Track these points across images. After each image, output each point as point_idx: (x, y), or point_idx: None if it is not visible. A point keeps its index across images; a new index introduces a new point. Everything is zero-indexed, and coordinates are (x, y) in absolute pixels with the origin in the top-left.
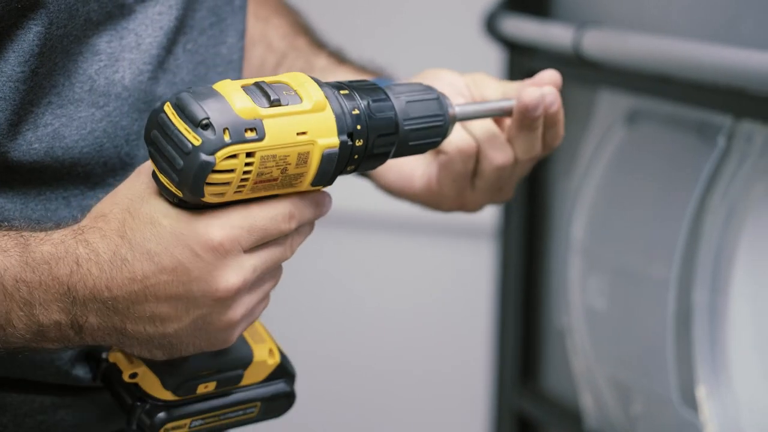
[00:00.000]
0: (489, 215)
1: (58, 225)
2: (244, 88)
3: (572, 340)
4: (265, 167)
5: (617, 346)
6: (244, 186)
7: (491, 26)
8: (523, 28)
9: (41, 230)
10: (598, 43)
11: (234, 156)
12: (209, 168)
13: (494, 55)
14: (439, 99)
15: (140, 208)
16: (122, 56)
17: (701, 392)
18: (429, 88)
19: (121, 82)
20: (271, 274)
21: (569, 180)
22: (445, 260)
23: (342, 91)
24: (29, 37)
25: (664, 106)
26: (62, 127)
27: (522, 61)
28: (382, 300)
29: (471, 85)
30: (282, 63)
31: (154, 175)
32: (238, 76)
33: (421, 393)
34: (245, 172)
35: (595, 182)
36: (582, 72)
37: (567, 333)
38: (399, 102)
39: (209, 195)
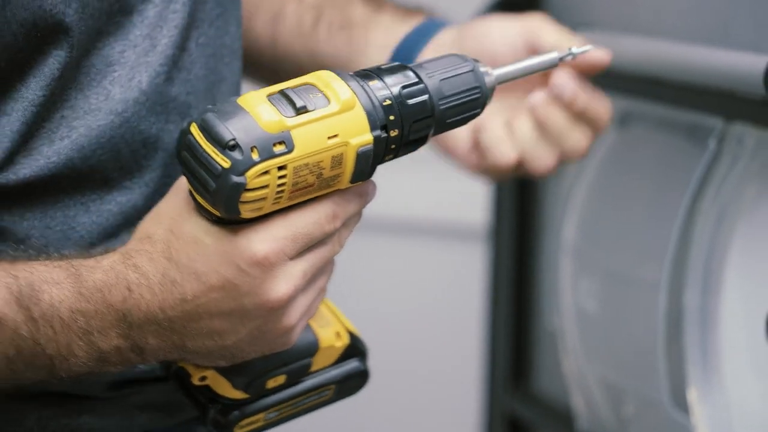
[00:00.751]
0: (480, 217)
1: (106, 250)
2: (270, 97)
3: (563, 341)
4: (299, 176)
5: (608, 348)
6: (280, 197)
7: None
8: None
9: (90, 257)
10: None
11: (265, 173)
12: (241, 188)
13: None
14: (474, 70)
15: (183, 228)
16: (137, 62)
17: (692, 395)
18: (463, 60)
19: (138, 87)
20: (322, 270)
21: (560, 182)
22: (436, 262)
23: (371, 81)
24: (51, 62)
25: (656, 108)
26: (80, 137)
27: None
28: (373, 301)
29: (526, 33)
30: (320, 19)
31: (190, 193)
32: (240, 66)
33: (412, 394)
34: (279, 185)
35: (587, 184)
36: None
37: (558, 335)
38: (432, 82)
39: (246, 212)
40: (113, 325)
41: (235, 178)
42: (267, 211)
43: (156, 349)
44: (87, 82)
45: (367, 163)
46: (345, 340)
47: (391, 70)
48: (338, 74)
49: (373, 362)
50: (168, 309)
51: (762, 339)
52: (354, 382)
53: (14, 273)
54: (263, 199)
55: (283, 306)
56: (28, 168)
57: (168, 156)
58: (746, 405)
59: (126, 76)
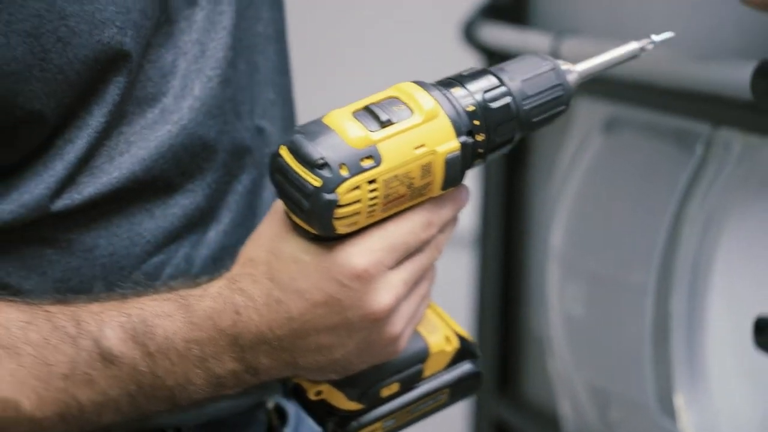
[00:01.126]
0: (467, 223)
1: (211, 278)
2: (355, 114)
3: (550, 347)
4: (390, 188)
5: (595, 354)
6: (374, 210)
7: (469, 34)
8: (501, 35)
9: (197, 286)
10: (576, 50)
11: (356, 188)
12: (334, 205)
13: (473, 62)
14: (555, 69)
15: (282, 248)
16: (188, 70)
17: (679, 400)
18: (543, 60)
19: (192, 94)
20: (423, 277)
21: (547, 187)
22: None
23: (453, 89)
24: (112, 89)
25: (642, 113)
26: (140, 151)
27: None
28: None
29: None
30: None
31: (286, 214)
32: (277, 49)
33: None
34: (371, 198)
35: (573, 190)
36: None
37: (545, 340)
38: (514, 84)
39: (341, 227)
40: (226, 349)
41: (327, 196)
42: (362, 225)
43: (269, 368)
44: (143, 96)
45: (456, 170)
46: (455, 344)
47: (473, 76)
48: (420, 85)
49: None
50: (276, 328)
51: (749, 344)
52: (468, 384)
53: (126, 312)
54: (357, 213)
55: (386, 316)
56: (91, 186)
57: (228, 156)
58: (733, 410)
59: (179, 86)
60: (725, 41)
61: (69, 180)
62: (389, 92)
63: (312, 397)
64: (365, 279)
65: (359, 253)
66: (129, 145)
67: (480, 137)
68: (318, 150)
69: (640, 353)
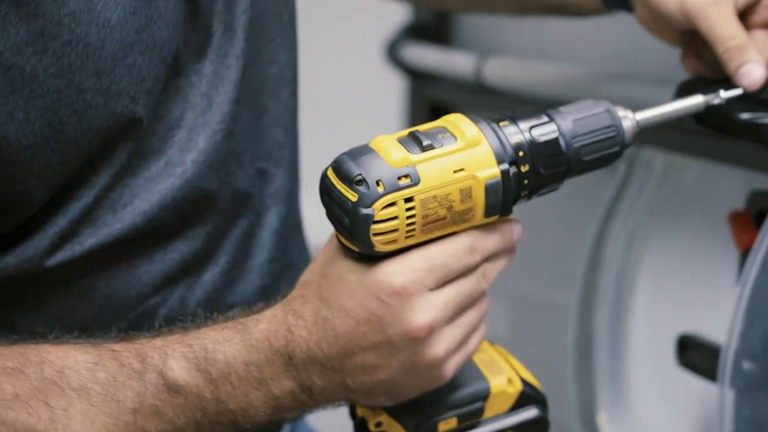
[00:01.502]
0: None
1: (267, 305)
2: (400, 140)
3: None
4: (428, 209)
5: None
6: (413, 230)
7: (393, 54)
8: (425, 55)
9: (254, 312)
10: (499, 71)
11: (392, 204)
12: (370, 220)
13: (397, 82)
14: (609, 111)
15: (331, 270)
16: (195, 123)
17: (602, 419)
18: (597, 102)
19: (196, 147)
20: (471, 305)
21: None
22: None
23: (501, 123)
24: (120, 152)
25: None
26: (142, 203)
27: (424, 88)
28: None
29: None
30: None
31: (336, 235)
32: (291, 91)
33: None
34: (409, 217)
35: None
36: (483, 99)
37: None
38: (565, 123)
39: (380, 244)
40: (283, 370)
41: (364, 210)
42: (403, 245)
43: (322, 389)
44: (148, 150)
45: (497, 196)
46: (518, 387)
47: (526, 114)
48: (468, 116)
49: None
50: (325, 346)
51: (671, 363)
52: (532, 429)
53: (188, 342)
54: (395, 230)
55: (426, 336)
56: (93, 238)
57: (228, 204)
58: (655, 428)
59: (185, 139)
60: (646, 61)
61: (71, 232)
62: (437, 122)
63: (372, 429)
64: (404, 296)
65: (398, 271)
66: (132, 198)
67: (525, 168)
68: (357, 168)
69: (564, 372)
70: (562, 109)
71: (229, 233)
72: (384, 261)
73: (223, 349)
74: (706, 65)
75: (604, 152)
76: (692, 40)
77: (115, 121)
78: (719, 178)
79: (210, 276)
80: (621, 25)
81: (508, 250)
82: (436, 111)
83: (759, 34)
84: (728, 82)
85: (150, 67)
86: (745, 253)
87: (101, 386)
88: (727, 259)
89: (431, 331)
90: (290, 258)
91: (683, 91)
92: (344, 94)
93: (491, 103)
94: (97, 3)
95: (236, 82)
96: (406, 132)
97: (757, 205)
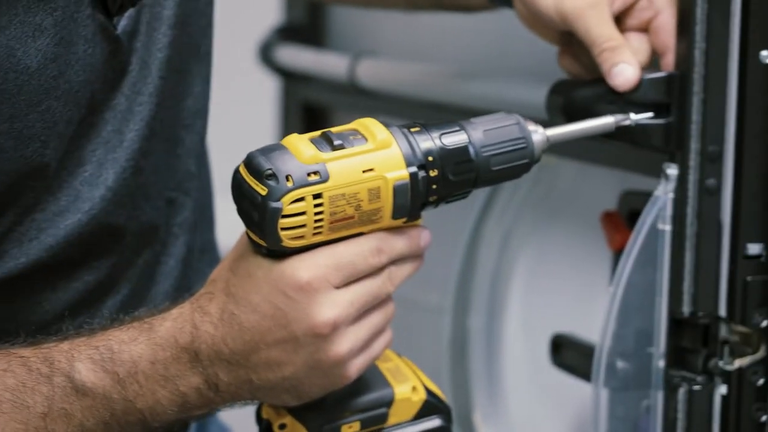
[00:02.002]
0: None
1: (174, 304)
2: (312, 139)
3: None
4: (336, 206)
5: None
6: (321, 227)
7: (266, 55)
8: (298, 56)
9: (161, 312)
10: (372, 72)
11: (300, 199)
12: (278, 213)
13: (270, 84)
14: (519, 124)
15: (239, 266)
16: (105, 159)
17: (477, 418)
18: (509, 115)
19: (105, 184)
20: (377, 307)
21: None
22: None
23: (413, 129)
24: (28, 194)
25: None
26: (48, 238)
27: (297, 90)
28: None
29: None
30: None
31: (246, 233)
32: (204, 123)
33: None
34: (317, 213)
35: None
36: (357, 100)
37: None
38: (476, 132)
39: (287, 240)
40: (189, 366)
41: (273, 204)
42: (311, 242)
43: (228, 385)
44: (57, 185)
45: (405, 198)
46: (422, 395)
47: (437, 123)
48: (381, 122)
49: None
50: (230, 342)
51: (545, 362)
52: None
53: (94, 344)
54: (302, 226)
55: (330, 332)
56: None
57: (134, 237)
58: (530, 427)
59: (95, 174)
60: (517, 62)
61: None
62: (350, 125)
63: (276, 430)
64: (308, 291)
65: (304, 267)
66: (39, 232)
67: (433, 172)
68: (268, 163)
69: (439, 373)
70: (474, 120)
71: (133, 263)
72: (291, 257)
73: (128, 349)
74: (582, 66)
75: (513, 163)
76: (570, 42)
77: (25, 165)
78: (592, 178)
79: (111, 304)
80: (492, 25)
81: (415, 255)
82: (310, 112)
83: (633, 37)
84: (603, 84)
85: (64, 111)
86: (617, 253)
87: (11, 393)
88: (600, 259)
89: (335, 328)
90: (199, 285)
91: (556, 92)
92: (217, 96)
93: (365, 104)
94: (18, 50)
95: (148, 120)
96: (319, 132)
97: (628, 206)
